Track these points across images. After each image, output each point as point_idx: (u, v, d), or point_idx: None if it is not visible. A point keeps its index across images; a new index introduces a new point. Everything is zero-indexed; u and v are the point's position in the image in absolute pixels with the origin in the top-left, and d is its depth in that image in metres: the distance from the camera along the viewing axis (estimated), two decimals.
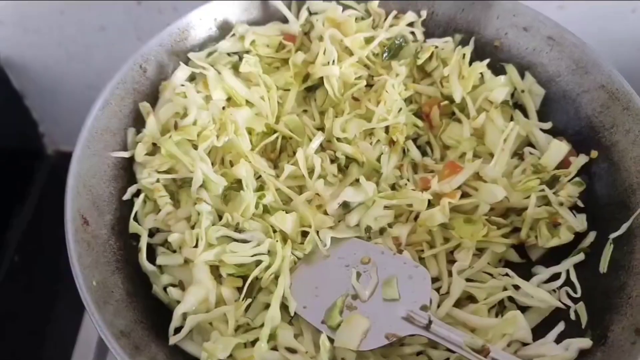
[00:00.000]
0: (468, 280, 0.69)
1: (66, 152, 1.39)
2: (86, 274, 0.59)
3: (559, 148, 0.72)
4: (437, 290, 0.69)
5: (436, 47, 0.80)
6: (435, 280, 0.70)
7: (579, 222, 0.70)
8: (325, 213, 0.72)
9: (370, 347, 0.61)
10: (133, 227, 0.68)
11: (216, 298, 0.64)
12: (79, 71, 1.19)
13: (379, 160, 0.76)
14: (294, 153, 0.75)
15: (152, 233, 0.70)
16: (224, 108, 0.75)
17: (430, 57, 0.80)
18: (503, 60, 0.80)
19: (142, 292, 0.66)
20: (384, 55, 0.80)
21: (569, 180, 0.72)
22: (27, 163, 1.36)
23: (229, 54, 0.80)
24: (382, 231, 0.72)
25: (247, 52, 0.79)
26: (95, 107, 0.70)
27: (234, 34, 0.79)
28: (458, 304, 0.68)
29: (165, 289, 0.66)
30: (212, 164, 0.71)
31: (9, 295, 1.17)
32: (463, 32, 0.83)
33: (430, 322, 0.61)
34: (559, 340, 0.63)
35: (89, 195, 0.66)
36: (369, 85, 0.81)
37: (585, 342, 0.61)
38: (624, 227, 0.67)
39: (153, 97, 0.76)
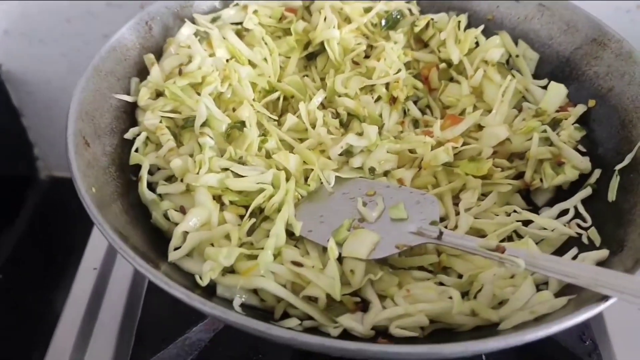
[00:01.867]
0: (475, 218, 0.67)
1: (60, 177, 1.39)
2: (86, 181, 0.57)
3: (558, 90, 0.73)
4: (445, 227, 0.67)
5: (432, 18, 0.84)
6: (441, 220, 0.68)
7: (583, 161, 0.70)
8: (328, 158, 0.71)
9: (380, 255, 0.58)
10: (134, 158, 0.67)
11: (219, 222, 0.62)
12: None
13: (380, 115, 0.77)
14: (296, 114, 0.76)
15: (151, 172, 0.68)
16: (227, 61, 0.76)
17: (427, 26, 0.83)
18: (497, 32, 0.84)
19: (140, 223, 0.63)
20: (382, 24, 0.83)
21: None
22: (18, 187, 1.34)
23: (232, 24, 0.82)
24: (385, 173, 0.71)
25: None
26: (101, 49, 0.71)
27: (237, 4, 0.82)
28: None
29: (165, 215, 0.63)
30: None
31: None
32: (456, 9, 0.86)
33: (441, 233, 0.59)
34: None
35: (90, 123, 0.65)
36: (367, 57, 0.83)
37: (602, 254, 0.59)
38: (628, 158, 0.66)
39: (158, 56, 0.77)
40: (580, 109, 0.74)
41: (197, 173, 0.64)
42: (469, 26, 0.84)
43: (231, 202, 0.64)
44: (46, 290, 1.16)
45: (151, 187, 0.67)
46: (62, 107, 1.22)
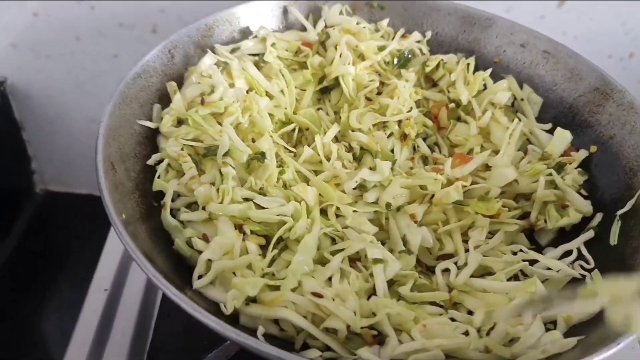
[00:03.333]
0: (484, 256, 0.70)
1: (55, 192, 1.39)
2: (117, 207, 0.58)
3: (563, 135, 0.77)
4: (455, 264, 0.70)
5: (442, 59, 0.87)
6: (451, 256, 0.71)
7: (586, 204, 0.73)
8: (343, 192, 0.74)
9: None
10: (157, 184, 0.68)
11: (240, 251, 0.63)
12: (83, 101, 1.22)
13: (392, 151, 0.79)
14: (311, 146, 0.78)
15: (172, 199, 0.70)
16: (247, 92, 0.78)
17: (437, 66, 0.86)
18: (503, 75, 0.88)
19: (163, 249, 0.65)
20: (394, 63, 0.87)
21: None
22: (14, 200, 1.34)
23: (251, 55, 0.85)
24: (398, 208, 0.74)
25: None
26: (127, 76, 0.72)
27: (256, 36, 0.85)
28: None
29: (187, 242, 0.65)
30: None
31: None
32: (464, 51, 0.90)
33: None
34: None
35: (117, 148, 0.67)
36: (379, 94, 0.86)
37: None
38: (629, 204, 0.70)
39: (179, 83, 0.79)
40: (582, 154, 0.78)
41: (221, 202, 0.65)
42: (476, 68, 0.88)
43: (252, 232, 0.65)
44: (35, 301, 1.16)
45: (172, 213, 0.69)
46: (64, 123, 1.26)
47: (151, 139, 0.74)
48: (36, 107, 1.25)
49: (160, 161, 0.71)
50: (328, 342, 0.58)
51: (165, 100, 0.76)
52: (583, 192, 0.76)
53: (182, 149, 0.71)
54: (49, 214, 1.35)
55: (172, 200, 0.70)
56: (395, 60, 0.87)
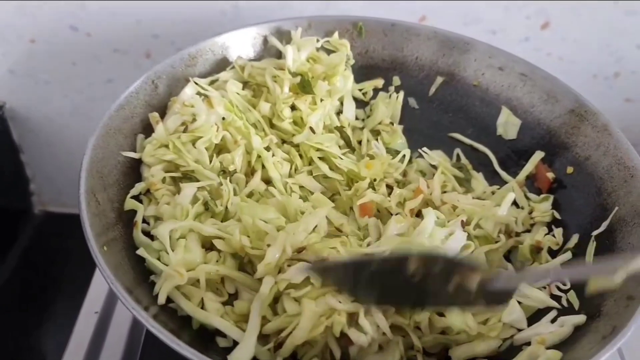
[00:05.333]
0: None
1: (53, 213, 1.42)
2: (98, 240, 0.61)
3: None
4: None
5: None
6: None
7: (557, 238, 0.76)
8: None
9: None
10: (129, 203, 0.71)
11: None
12: (80, 124, 1.25)
13: None
14: None
15: (149, 222, 0.72)
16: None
17: None
18: (482, 97, 0.89)
19: (146, 278, 0.67)
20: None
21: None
22: (11, 221, 1.37)
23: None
24: None
25: (246, 82, 0.87)
26: (111, 108, 0.75)
27: (234, 66, 0.87)
28: None
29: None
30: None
31: None
32: (445, 74, 0.92)
33: None
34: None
35: (100, 180, 0.69)
36: None
37: (580, 318, 0.64)
38: (604, 225, 0.72)
39: (163, 113, 0.81)
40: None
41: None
42: (456, 90, 0.90)
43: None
44: (31, 323, 1.19)
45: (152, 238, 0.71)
46: (62, 145, 1.29)
47: (135, 169, 0.76)
48: (34, 130, 1.28)
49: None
50: None
51: (149, 130, 0.78)
52: (557, 215, 0.77)
53: (163, 180, 0.74)
54: (48, 234, 1.38)
55: (149, 223, 0.72)
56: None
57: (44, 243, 1.37)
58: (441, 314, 0.65)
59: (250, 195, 0.75)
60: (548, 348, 0.62)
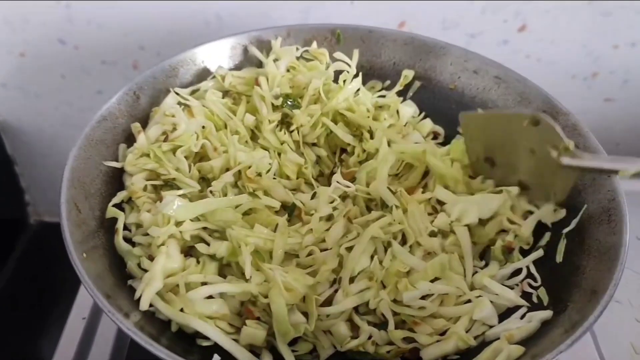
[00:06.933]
0: None
1: (49, 222, 1.44)
2: (79, 248, 0.63)
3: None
4: None
5: None
6: None
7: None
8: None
9: None
10: (110, 211, 0.73)
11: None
12: (71, 135, 1.25)
13: None
14: None
15: (130, 229, 0.75)
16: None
17: None
18: (459, 100, 0.91)
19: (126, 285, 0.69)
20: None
21: None
22: (8, 231, 1.39)
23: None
24: None
25: (227, 91, 0.89)
26: (93, 119, 0.77)
27: (214, 76, 0.89)
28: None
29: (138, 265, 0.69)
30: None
31: None
32: (422, 78, 0.94)
33: None
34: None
35: (82, 190, 0.71)
36: None
37: (546, 314, 0.65)
38: (573, 223, 0.73)
39: (145, 124, 0.83)
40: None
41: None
42: (433, 93, 0.92)
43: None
44: (32, 334, 1.21)
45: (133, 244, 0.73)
46: (55, 156, 1.31)
47: (118, 178, 0.78)
48: (27, 142, 1.30)
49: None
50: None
51: (132, 140, 0.80)
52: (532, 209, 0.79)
53: (145, 188, 0.76)
54: (43, 244, 1.40)
55: (130, 231, 0.74)
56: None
57: (39, 252, 1.40)
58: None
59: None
60: (516, 343, 0.64)
